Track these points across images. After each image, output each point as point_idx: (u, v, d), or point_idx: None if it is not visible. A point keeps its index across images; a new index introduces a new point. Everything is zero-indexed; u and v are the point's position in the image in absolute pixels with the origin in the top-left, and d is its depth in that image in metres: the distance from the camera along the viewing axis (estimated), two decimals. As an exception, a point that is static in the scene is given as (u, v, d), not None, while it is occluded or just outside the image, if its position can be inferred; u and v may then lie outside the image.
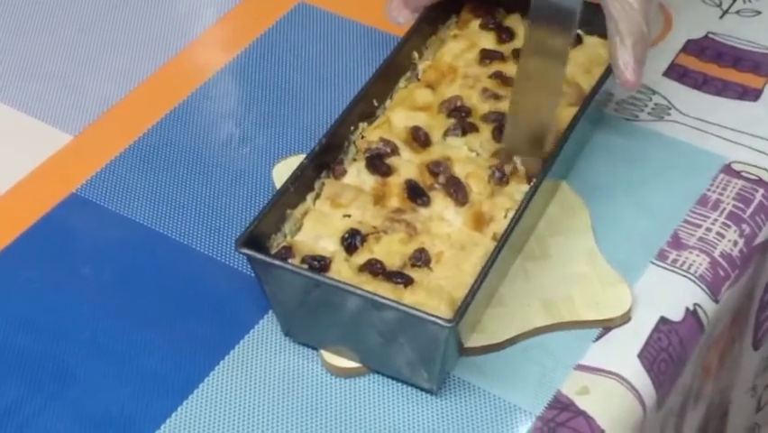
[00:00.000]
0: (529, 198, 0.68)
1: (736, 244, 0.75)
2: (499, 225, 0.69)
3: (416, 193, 0.70)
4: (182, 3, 0.92)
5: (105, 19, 0.90)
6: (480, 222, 0.69)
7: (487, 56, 0.78)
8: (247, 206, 0.76)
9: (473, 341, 0.68)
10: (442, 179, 0.71)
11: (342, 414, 0.66)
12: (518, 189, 0.70)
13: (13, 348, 0.69)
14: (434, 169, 0.71)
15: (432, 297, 0.64)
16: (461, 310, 0.62)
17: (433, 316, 0.62)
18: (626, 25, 0.72)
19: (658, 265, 0.73)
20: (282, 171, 0.75)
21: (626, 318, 0.70)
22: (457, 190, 0.70)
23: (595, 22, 0.78)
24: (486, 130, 0.74)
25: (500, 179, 0.71)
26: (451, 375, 0.67)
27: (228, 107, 0.84)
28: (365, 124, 0.74)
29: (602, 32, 0.78)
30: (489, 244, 0.67)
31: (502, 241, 0.66)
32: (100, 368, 0.68)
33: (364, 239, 0.68)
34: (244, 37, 0.88)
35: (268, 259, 0.65)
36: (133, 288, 0.72)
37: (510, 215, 0.69)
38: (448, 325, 0.62)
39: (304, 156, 0.70)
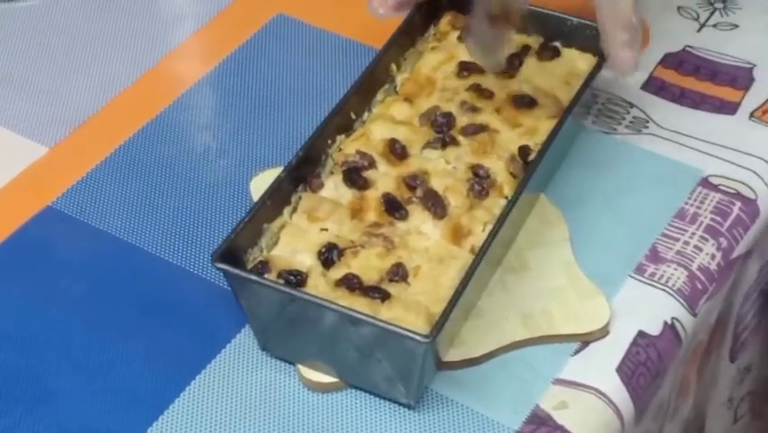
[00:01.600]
0: (507, 211, 0.68)
1: (713, 257, 0.75)
2: (477, 238, 0.68)
3: (393, 207, 0.70)
4: (160, 14, 0.92)
5: (81, 30, 0.90)
6: (457, 235, 0.69)
7: (465, 68, 0.78)
8: (224, 219, 0.76)
9: (451, 355, 0.68)
10: (419, 192, 0.70)
11: (320, 429, 0.66)
12: (496, 203, 0.70)
13: (-13, 363, 0.69)
14: (411, 182, 0.71)
15: (409, 312, 0.64)
16: (439, 325, 0.62)
17: (409, 331, 0.62)
18: (616, 14, 0.73)
19: (636, 279, 0.73)
20: (260, 184, 0.75)
21: (604, 332, 0.70)
22: (435, 204, 0.70)
23: (573, 35, 0.79)
24: (465, 143, 0.73)
25: (479, 192, 0.71)
26: (429, 390, 0.67)
27: (205, 119, 0.84)
28: (342, 136, 0.74)
29: (580, 45, 0.79)
30: (467, 258, 0.67)
31: (480, 254, 0.66)
32: (76, 382, 0.68)
33: (341, 253, 0.67)
34: (222, 48, 0.88)
35: (243, 274, 0.65)
36: (109, 301, 0.72)
37: (488, 228, 0.68)
38: (425, 340, 0.61)
39: (281, 169, 0.70)
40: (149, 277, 0.73)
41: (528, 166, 0.71)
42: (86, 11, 0.91)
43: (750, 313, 0.83)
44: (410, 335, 0.62)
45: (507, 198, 0.70)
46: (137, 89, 0.85)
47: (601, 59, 0.76)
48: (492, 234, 0.67)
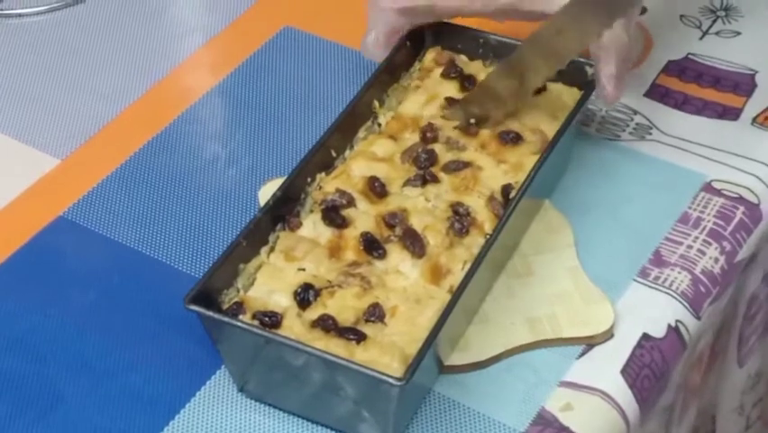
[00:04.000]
0: (485, 251, 0.67)
1: (717, 261, 0.75)
2: (456, 277, 0.67)
3: (371, 246, 0.69)
4: (169, 26, 0.93)
5: (91, 43, 0.91)
6: (436, 275, 0.68)
7: (451, 104, 0.77)
8: (233, 227, 0.77)
9: (458, 359, 0.69)
10: (398, 231, 0.69)
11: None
12: (476, 241, 0.69)
13: (-1, 370, 0.70)
14: (390, 221, 0.70)
15: (384, 353, 0.63)
16: (412, 369, 0.61)
17: (383, 374, 0.61)
18: (608, 39, 0.73)
19: (640, 282, 0.73)
20: (268, 193, 0.75)
21: (608, 335, 0.70)
22: (414, 243, 0.69)
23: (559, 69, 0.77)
24: (446, 180, 0.72)
25: (459, 230, 0.69)
26: (435, 392, 0.68)
27: (215, 130, 0.85)
28: (323, 174, 0.73)
29: (565, 80, 0.78)
30: (445, 298, 0.66)
31: (456, 296, 0.65)
32: (86, 389, 0.69)
33: (318, 293, 0.66)
34: (230, 61, 0.89)
35: (216, 315, 0.64)
36: (120, 309, 0.73)
37: (467, 267, 0.67)
38: (398, 383, 0.60)
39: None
40: (159, 285, 0.74)
41: (509, 204, 0.70)
42: (96, 25, 0.92)
43: (758, 316, 0.84)
44: (383, 378, 0.60)
45: (487, 235, 0.69)
46: (147, 101, 0.86)
47: (587, 92, 0.76)
48: (469, 276, 0.65)
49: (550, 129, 0.75)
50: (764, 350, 0.88)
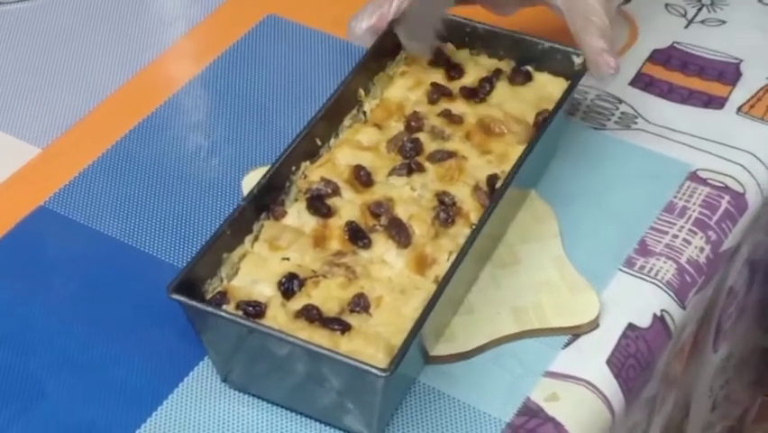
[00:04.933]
0: (471, 241, 0.66)
1: (702, 250, 0.75)
2: (442, 267, 0.66)
3: (356, 236, 0.68)
4: (151, 16, 0.93)
5: (72, 33, 0.90)
6: (421, 265, 0.67)
7: (436, 91, 0.76)
8: (216, 217, 0.76)
9: (442, 349, 0.68)
10: (383, 220, 0.69)
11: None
12: (462, 231, 0.69)
13: (-20, 361, 0.69)
14: (376, 210, 0.69)
15: (369, 344, 0.63)
16: (397, 360, 0.61)
17: (367, 365, 0.60)
18: (588, 22, 0.73)
19: (626, 272, 0.73)
20: (252, 182, 0.75)
21: (594, 325, 0.70)
22: (399, 232, 0.68)
23: (545, 59, 0.77)
24: (431, 170, 0.72)
25: (445, 220, 0.69)
26: (420, 383, 0.68)
27: (197, 119, 0.84)
28: (308, 163, 0.72)
29: (552, 70, 0.77)
30: (430, 288, 0.65)
31: (442, 287, 0.64)
32: (69, 381, 0.68)
33: (302, 283, 0.66)
34: (214, 49, 0.88)
35: (199, 305, 0.63)
36: (102, 300, 0.72)
37: (453, 257, 0.67)
38: (383, 374, 0.60)
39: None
40: (141, 275, 0.73)
41: (494, 194, 0.70)
42: (78, 13, 0.92)
43: (734, 302, 0.84)
44: (368, 368, 0.60)
45: (473, 225, 0.69)
46: (128, 90, 0.86)
47: (574, 82, 0.75)
48: (455, 266, 0.65)
49: (534, 119, 0.75)
50: (735, 334, 0.88)
